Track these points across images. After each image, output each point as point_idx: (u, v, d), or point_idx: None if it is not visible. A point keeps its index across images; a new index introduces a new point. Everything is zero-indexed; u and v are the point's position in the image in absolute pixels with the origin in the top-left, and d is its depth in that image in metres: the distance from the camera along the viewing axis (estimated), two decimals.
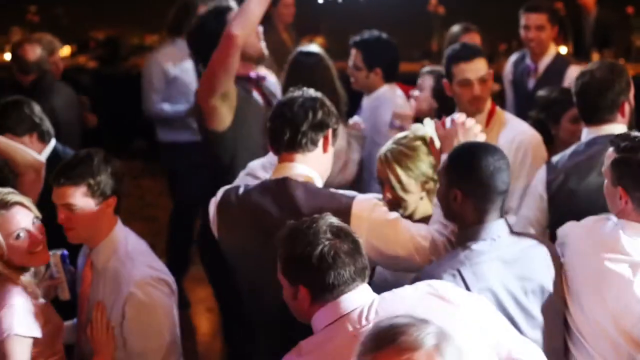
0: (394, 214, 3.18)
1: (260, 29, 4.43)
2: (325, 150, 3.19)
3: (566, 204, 3.71)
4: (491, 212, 3.03)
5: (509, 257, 3.00)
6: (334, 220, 2.69)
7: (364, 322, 2.53)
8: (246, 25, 4.10)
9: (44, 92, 5.57)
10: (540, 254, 3.10)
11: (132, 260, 3.28)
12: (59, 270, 3.41)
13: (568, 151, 3.87)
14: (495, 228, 3.03)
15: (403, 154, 3.44)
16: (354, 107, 5.36)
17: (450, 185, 3.04)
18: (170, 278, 3.35)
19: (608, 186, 3.18)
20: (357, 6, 6.24)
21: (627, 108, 3.76)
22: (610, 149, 3.17)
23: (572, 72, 5.61)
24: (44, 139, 4.32)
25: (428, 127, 3.48)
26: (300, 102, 3.17)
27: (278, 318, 3.04)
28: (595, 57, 8.68)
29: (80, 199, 3.22)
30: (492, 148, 3.09)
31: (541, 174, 3.88)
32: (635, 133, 3.22)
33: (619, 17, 9.33)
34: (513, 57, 6.13)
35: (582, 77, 3.82)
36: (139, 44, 10.03)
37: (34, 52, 5.76)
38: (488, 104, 4.32)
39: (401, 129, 4.89)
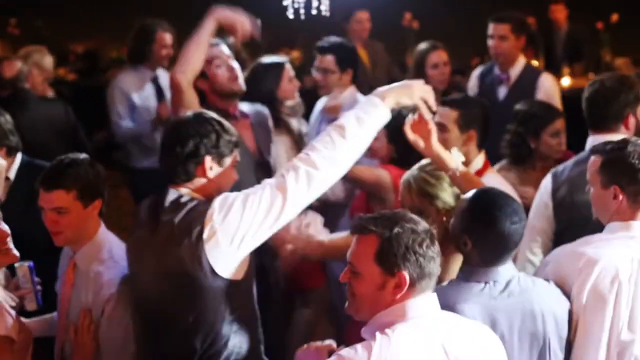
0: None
1: (236, 65, 4.44)
2: (203, 176, 3.11)
3: (570, 213, 3.76)
4: (498, 262, 2.98)
5: (497, 305, 2.93)
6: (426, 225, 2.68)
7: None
8: (185, 69, 4.18)
9: (14, 109, 5.57)
10: (540, 303, 3.00)
11: (116, 264, 3.33)
12: (27, 281, 3.44)
13: (572, 160, 3.90)
14: (494, 273, 2.98)
15: (426, 182, 3.43)
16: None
17: (463, 231, 3.00)
18: None
19: (597, 191, 3.21)
20: (333, 20, 6.36)
21: (631, 121, 3.82)
22: (593, 157, 3.25)
23: (545, 80, 5.81)
24: (10, 153, 4.37)
25: (455, 156, 3.47)
26: (172, 134, 3.12)
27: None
28: (566, 71, 8.89)
29: (71, 203, 3.29)
30: (512, 209, 2.99)
31: (547, 183, 3.88)
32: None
33: (589, 32, 9.54)
34: (477, 71, 6.23)
35: (592, 85, 3.88)
36: (117, 57, 10.14)
37: (11, 70, 5.84)
38: (480, 160, 4.17)
39: (334, 120, 4.97)
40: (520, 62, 5.93)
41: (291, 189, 2.98)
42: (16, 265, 3.42)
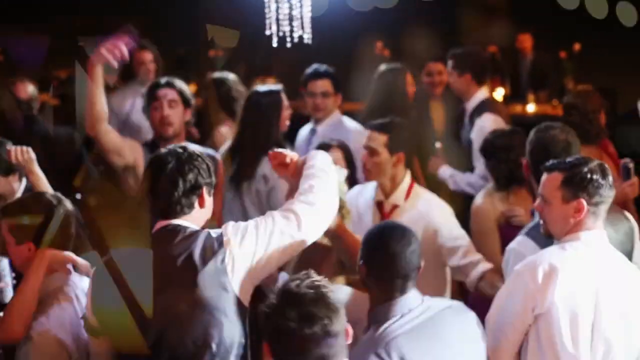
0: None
1: (172, 112, 4.69)
2: (202, 206, 3.16)
3: None
4: (396, 290, 3.08)
5: (421, 328, 3.05)
6: (320, 302, 2.59)
7: None
8: (92, 123, 4.48)
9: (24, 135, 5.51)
10: (455, 317, 3.17)
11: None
12: (6, 274, 3.65)
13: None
14: (404, 303, 3.08)
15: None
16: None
17: (360, 260, 3.16)
18: None
19: (557, 207, 3.32)
20: (307, 48, 6.66)
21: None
22: (547, 175, 3.35)
23: (482, 120, 5.80)
24: (20, 178, 4.57)
25: (338, 174, 3.63)
26: (169, 171, 3.11)
27: None
28: (531, 98, 9.25)
29: (6, 234, 3.48)
30: (400, 232, 3.16)
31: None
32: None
33: (553, 61, 9.91)
34: None
35: (548, 142, 3.87)
36: None
37: (25, 91, 5.87)
38: (407, 179, 4.52)
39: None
40: (478, 96, 6.01)
41: (302, 214, 3.09)
42: None
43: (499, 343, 3.33)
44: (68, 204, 3.56)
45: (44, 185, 4.12)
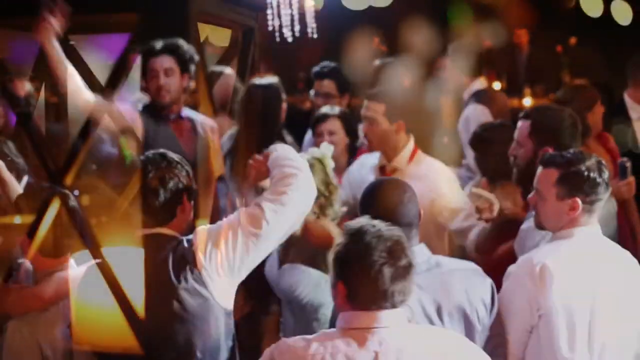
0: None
1: (167, 81, 4.56)
2: (183, 212, 3.22)
3: None
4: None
5: (423, 282, 3.02)
6: (397, 237, 2.66)
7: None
8: (78, 96, 4.41)
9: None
10: (462, 278, 3.13)
11: None
12: (27, 278, 3.68)
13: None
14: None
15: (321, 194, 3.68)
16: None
17: (360, 214, 3.10)
18: None
19: (552, 203, 3.30)
20: (304, 44, 6.67)
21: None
22: (543, 170, 3.33)
23: (467, 110, 5.94)
24: (19, 175, 4.60)
25: (324, 149, 3.79)
26: (149, 181, 3.17)
27: None
28: (527, 92, 9.25)
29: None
30: (395, 183, 3.19)
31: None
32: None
33: (549, 55, 9.89)
34: None
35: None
36: None
37: (23, 88, 5.92)
38: (410, 145, 4.56)
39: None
40: (472, 88, 6.10)
41: (268, 210, 3.10)
42: (20, 261, 3.67)
43: (503, 346, 3.30)
44: (71, 200, 3.63)
45: (14, 189, 4.16)
